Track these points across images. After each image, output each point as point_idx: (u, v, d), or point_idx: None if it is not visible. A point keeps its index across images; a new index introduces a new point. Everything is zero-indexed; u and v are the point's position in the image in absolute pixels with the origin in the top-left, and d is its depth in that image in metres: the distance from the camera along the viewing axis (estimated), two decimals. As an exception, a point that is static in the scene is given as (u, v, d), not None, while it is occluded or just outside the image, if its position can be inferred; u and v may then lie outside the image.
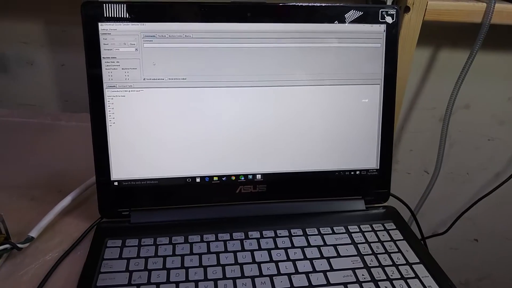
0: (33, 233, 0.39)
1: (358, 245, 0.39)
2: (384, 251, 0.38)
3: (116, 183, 0.41)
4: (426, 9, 0.58)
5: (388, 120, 0.43)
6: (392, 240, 0.40)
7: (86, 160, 0.41)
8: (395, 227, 0.42)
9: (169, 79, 0.39)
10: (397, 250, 0.38)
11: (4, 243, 0.37)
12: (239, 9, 0.39)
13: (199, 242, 0.38)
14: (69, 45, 0.70)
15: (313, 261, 0.37)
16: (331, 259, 0.37)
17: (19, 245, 0.38)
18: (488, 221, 0.87)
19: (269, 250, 0.38)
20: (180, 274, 0.35)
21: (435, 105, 0.75)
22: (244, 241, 0.39)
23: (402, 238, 0.40)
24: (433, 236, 0.81)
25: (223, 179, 0.42)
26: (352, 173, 0.44)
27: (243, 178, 0.42)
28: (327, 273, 0.36)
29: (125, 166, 0.41)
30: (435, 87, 0.73)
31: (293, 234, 0.40)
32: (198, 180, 0.42)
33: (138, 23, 0.38)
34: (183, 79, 0.40)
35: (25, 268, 0.37)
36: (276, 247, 0.38)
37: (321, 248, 0.38)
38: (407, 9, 0.59)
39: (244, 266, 0.36)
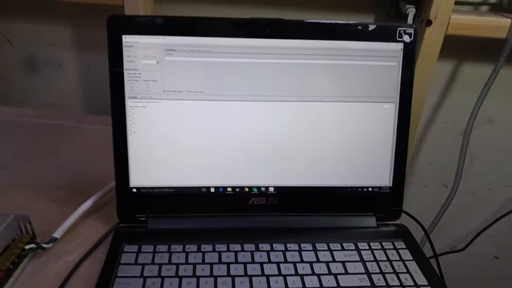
0: (57, 234, 0.42)
1: (367, 263, 0.40)
2: (392, 271, 0.39)
3: (134, 190, 0.43)
4: (449, 23, 0.58)
5: (402, 138, 0.44)
6: (401, 259, 0.41)
7: (108, 163, 0.43)
8: (405, 247, 0.42)
9: (188, 91, 0.41)
10: (405, 271, 0.39)
11: (30, 243, 0.40)
12: (258, 25, 0.41)
13: (211, 252, 0.40)
14: (95, 47, 0.73)
15: (321, 277, 0.38)
16: (338, 276, 0.38)
17: (44, 245, 0.40)
18: (510, 239, 0.85)
19: (278, 263, 0.39)
20: (192, 282, 0.37)
21: (456, 119, 0.74)
22: (254, 253, 0.40)
23: (412, 258, 0.41)
24: (451, 253, 0.80)
25: (237, 190, 0.44)
26: (364, 189, 0.45)
27: (256, 190, 0.44)
28: (334, 289, 0.37)
29: (143, 173, 0.43)
30: (457, 101, 0.72)
31: (303, 249, 0.41)
32: (212, 190, 0.44)
33: (160, 37, 0.40)
34: (202, 92, 0.42)
35: (49, 267, 0.40)
36: (285, 261, 0.40)
37: (329, 264, 0.39)
38: (429, 23, 0.59)
39: (253, 278, 0.38)
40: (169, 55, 0.41)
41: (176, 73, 0.41)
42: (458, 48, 0.67)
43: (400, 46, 0.42)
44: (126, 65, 0.40)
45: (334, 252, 0.41)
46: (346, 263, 0.40)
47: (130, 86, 0.41)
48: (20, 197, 0.49)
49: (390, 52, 0.42)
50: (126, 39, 0.40)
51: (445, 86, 0.72)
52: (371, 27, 0.41)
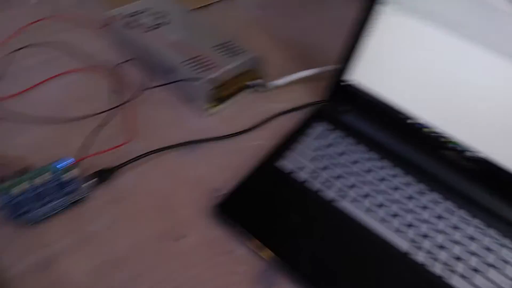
0: (278, 83, 0.53)
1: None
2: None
3: (348, 83, 0.48)
4: None
5: None
6: None
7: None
8: None
9: (447, 22, 0.39)
10: None
11: (255, 79, 0.52)
12: None
13: (384, 170, 0.44)
14: None
15: (472, 256, 0.38)
16: (491, 268, 0.38)
17: (265, 88, 0.52)
18: None
19: (437, 217, 0.40)
20: (349, 181, 0.42)
21: None
22: (420, 194, 0.42)
23: None
24: None
25: (433, 134, 0.44)
26: None
27: (453, 145, 0.43)
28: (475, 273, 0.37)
29: (362, 74, 0.47)
30: None
31: (470, 224, 0.40)
32: (409, 121, 0.45)
33: None
34: (464, 28, 0.38)
35: (259, 103, 0.52)
36: (444, 218, 0.40)
37: (491, 252, 0.39)
38: None
39: (402, 214, 0.40)
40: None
41: (441, 2, 0.39)
42: None
43: None
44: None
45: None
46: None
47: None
48: (267, 42, 0.62)
49: None
50: None
51: None
52: None
